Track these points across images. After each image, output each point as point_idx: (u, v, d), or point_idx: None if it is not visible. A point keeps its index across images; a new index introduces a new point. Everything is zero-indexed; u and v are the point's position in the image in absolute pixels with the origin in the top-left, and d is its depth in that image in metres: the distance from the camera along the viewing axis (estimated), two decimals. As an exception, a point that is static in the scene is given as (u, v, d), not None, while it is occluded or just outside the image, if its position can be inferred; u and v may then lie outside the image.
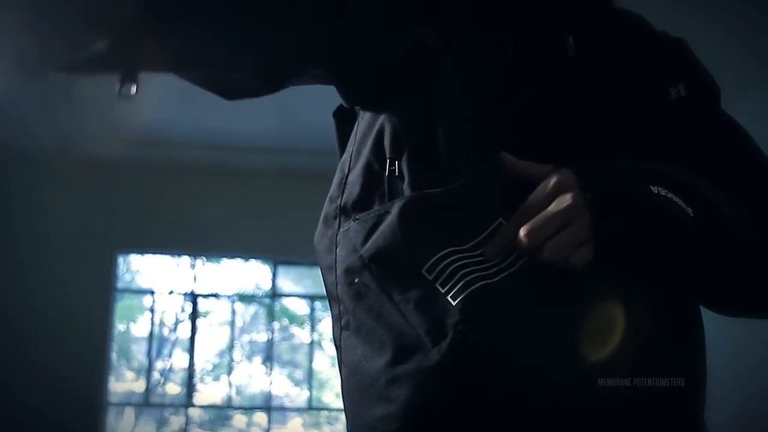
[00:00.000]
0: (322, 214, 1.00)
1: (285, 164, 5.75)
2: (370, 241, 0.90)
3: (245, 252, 6.76)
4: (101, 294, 6.38)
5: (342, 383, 0.95)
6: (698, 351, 0.96)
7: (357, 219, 0.92)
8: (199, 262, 6.95)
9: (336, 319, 0.96)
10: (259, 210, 6.22)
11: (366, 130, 0.97)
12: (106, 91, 4.45)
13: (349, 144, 1.02)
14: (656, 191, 0.84)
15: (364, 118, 0.99)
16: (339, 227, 0.96)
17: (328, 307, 0.99)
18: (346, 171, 0.98)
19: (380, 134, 0.94)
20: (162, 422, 6.90)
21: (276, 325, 7.04)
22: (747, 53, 4.52)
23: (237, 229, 6.33)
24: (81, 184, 6.07)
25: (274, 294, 6.95)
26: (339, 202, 0.97)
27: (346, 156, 1.01)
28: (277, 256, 6.68)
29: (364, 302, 0.91)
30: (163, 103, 5.29)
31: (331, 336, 0.99)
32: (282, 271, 6.92)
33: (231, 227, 6.31)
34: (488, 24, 0.96)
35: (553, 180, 0.84)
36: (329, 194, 1.00)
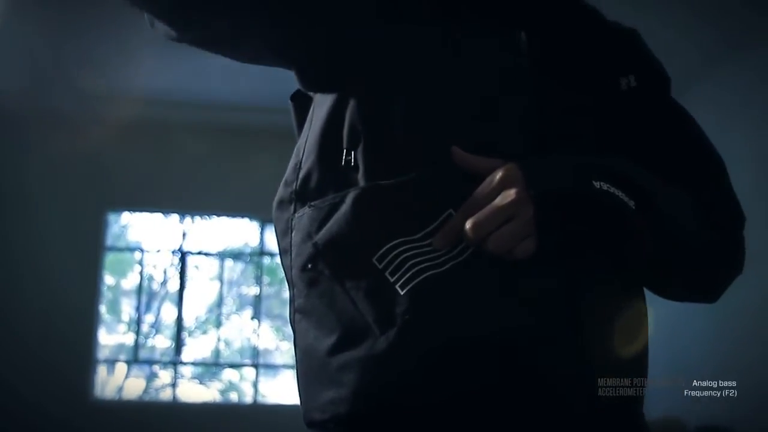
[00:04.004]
0: (277, 198, 1.02)
1: (274, 123, 5.72)
2: (324, 229, 0.92)
3: (233, 210, 6.78)
4: (92, 251, 6.42)
5: (296, 365, 0.98)
6: (646, 346, 0.99)
7: (312, 206, 0.95)
8: (187, 220, 6.97)
9: (291, 302, 0.98)
10: (247, 168, 6.23)
11: (322, 116, 0.98)
12: (99, 50, 4.40)
13: (304, 129, 1.03)
14: (598, 186, 0.86)
15: (319, 103, 1.00)
16: (294, 212, 0.97)
17: None
18: (301, 156, 0.99)
19: (337, 123, 0.95)
20: (151, 376, 6.98)
21: (265, 279, 7.08)
22: (693, 46, 4.59)
23: (225, 188, 6.34)
24: (72, 143, 6.06)
25: (262, 252, 6.99)
26: (294, 187, 0.98)
27: (301, 141, 1.02)
28: (265, 214, 6.67)
29: (316, 288, 0.93)
30: (154, 63, 5.27)
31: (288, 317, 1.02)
32: (270, 228, 6.95)
33: (219, 186, 6.33)
34: (440, 20, 0.96)
35: (498, 175, 0.86)
36: (284, 178, 1.02)
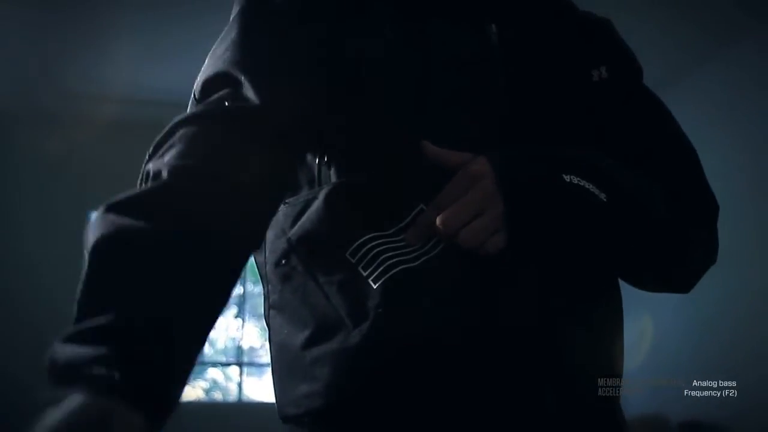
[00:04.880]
0: None
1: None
2: (297, 225, 0.93)
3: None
4: (75, 251, 6.37)
5: (271, 360, 0.99)
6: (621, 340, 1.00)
7: (287, 203, 0.95)
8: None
9: (265, 298, 0.99)
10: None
11: None
12: (84, 51, 4.38)
13: None
14: (569, 179, 0.87)
15: None
16: None
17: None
18: None
19: None
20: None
21: (249, 278, 7.07)
22: (678, 43, 4.61)
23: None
24: (57, 143, 6.03)
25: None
26: None
27: None
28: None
29: (290, 283, 0.94)
30: (139, 63, 5.26)
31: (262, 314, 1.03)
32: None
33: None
34: (410, 14, 0.97)
35: (469, 169, 0.86)
36: None
